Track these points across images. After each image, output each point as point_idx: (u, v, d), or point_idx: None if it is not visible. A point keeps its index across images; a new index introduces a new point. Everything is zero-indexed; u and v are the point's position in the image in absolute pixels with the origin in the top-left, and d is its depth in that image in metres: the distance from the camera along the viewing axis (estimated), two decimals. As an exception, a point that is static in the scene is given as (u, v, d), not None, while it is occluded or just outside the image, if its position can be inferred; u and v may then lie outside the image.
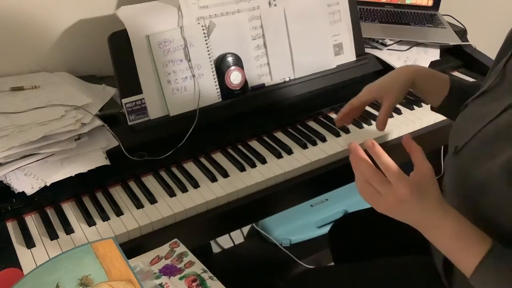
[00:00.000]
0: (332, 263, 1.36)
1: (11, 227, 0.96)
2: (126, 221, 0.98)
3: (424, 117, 1.30)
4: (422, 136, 1.27)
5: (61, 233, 0.95)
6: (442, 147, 1.65)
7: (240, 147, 1.19)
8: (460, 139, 0.82)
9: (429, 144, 1.34)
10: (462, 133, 0.82)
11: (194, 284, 0.77)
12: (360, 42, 1.41)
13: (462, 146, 0.80)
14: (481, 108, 0.82)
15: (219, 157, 1.15)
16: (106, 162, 1.04)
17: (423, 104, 1.35)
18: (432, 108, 1.08)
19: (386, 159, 0.73)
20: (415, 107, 1.34)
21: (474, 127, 0.79)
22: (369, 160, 0.75)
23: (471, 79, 1.49)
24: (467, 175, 0.76)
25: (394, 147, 1.21)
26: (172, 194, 1.04)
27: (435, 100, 1.05)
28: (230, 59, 1.19)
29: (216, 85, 1.19)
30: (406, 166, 0.76)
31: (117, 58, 1.09)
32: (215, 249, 1.97)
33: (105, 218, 0.98)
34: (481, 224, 0.71)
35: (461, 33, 1.61)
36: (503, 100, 0.77)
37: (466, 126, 0.82)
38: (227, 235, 1.91)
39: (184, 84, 1.16)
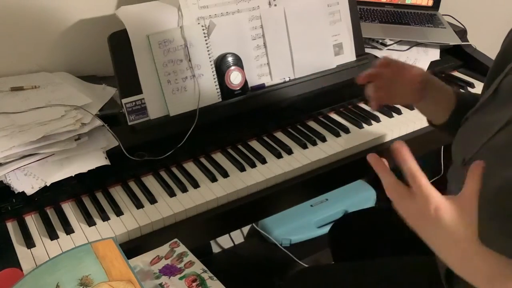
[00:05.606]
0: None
1: (11, 227, 0.96)
2: (126, 221, 0.98)
3: (424, 117, 1.30)
4: (422, 136, 1.27)
5: (61, 233, 0.95)
6: (442, 147, 1.65)
7: (240, 147, 1.19)
8: (466, 150, 0.80)
9: (429, 144, 1.33)
10: (468, 144, 0.81)
11: (194, 284, 0.77)
12: (360, 42, 1.41)
13: (470, 158, 0.78)
14: (484, 119, 0.81)
15: (219, 157, 1.15)
16: (106, 162, 1.04)
17: (423, 104, 1.35)
18: (434, 125, 1.03)
19: (413, 164, 0.66)
20: (415, 107, 1.34)
21: (481, 138, 0.78)
22: (392, 173, 0.69)
23: (471, 79, 1.49)
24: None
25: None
26: (172, 194, 1.04)
27: (441, 113, 1.00)
28: (230, 59, 1.19)
29: (216, 85, 1.19)
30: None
31: (117, 58, 1.09)
32: (215, 249, 1.97)
33: (105, 218, 0.98)
34: (498, 228, 0.69)
35: (461, 33, 1.61)
36: (506, 109, 0.76)
37: (471, 138, 0.81)
38: (227, 235, 1.91)
39: (184, 84, 1.16)
